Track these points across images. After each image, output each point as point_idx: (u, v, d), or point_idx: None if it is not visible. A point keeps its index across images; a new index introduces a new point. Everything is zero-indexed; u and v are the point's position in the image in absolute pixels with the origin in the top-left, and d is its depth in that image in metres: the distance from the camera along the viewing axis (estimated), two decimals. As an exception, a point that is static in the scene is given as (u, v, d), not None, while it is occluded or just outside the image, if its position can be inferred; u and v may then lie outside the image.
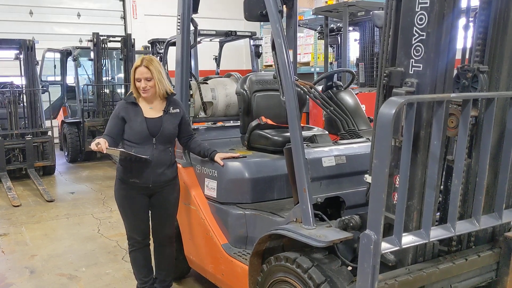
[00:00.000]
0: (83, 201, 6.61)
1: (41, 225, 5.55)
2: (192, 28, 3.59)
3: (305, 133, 2.87)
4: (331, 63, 9.12)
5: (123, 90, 10.18)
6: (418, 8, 1.94)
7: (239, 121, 4.00)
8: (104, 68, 9.69)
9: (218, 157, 3.18)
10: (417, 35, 1.95)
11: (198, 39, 6.73)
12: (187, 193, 3.40)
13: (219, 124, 4.35)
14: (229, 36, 6.86)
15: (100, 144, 2.77)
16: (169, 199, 3.20)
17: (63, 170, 8.84)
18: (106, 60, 9.75)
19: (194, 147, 3.31)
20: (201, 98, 3.79)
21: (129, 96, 3.11)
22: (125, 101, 3.10)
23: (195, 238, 3.37)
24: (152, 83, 2.99)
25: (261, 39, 7.18)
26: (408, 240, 1.90)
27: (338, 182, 2.52)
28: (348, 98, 2.97)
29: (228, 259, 2.98)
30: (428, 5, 1.91)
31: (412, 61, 1.97)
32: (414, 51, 1.96)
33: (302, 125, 3.62)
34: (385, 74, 2.05)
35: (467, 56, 2.21)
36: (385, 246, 1.81)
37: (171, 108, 3.11)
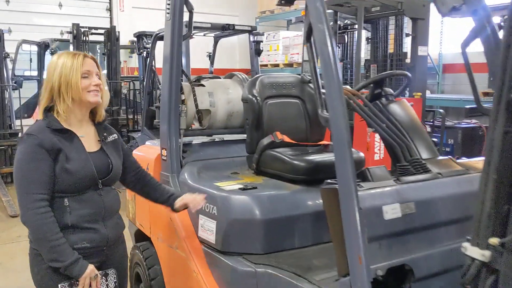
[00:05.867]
0: (53, 216, 5.69)
1: (-2, 249, 4.64)
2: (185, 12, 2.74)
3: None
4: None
5: (106, 88, 9.25)
6: None
7: (242, 135, 3.17)
8: (85, 63, 8.78)
9: (181, 201, 2.28)
10: None
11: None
12: (173, 233, 2.54)
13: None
14: (226, 30, 6.04)
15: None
16: (123, 263, 2.25)
17: (35, 176, 7.89)
18: (88, 55, 8.84)
19: (146, 184, 2.32)
20: (196, 105, 2.93)
21: (48, 120, 1.95)
22: (48, 127, 1.93)
23: (185, 294, 2.50)
24: (101, 84, 2.03)
25: (262, 34, 6.33)
26: None
27: (403, 241, 1.68)
28: (403, 112, 2.14)
29: (230, 334, 2.13)
30: None
31: None
32: None
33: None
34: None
35: None
36: None
37: (105, 134, 2.14)
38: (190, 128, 3.00)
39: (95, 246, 2.00)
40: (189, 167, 2.74)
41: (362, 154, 2.56)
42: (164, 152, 2.80)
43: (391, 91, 2.18)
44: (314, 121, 2.81)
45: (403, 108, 2.15)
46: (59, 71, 1.95)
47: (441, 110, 6.31)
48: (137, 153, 3.27)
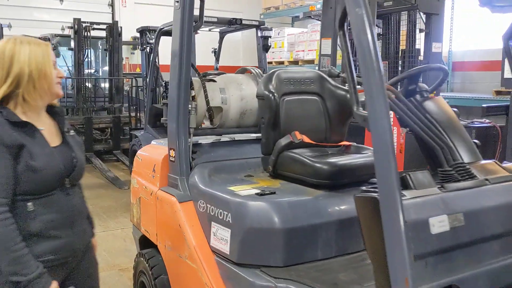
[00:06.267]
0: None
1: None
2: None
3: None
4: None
5: (107, 85, 9.08)
6: None
7: (255, 134, 2.98)
8: (87, 59, 8.61)
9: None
10: None
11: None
12: (183, 241, 2.33)
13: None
14: (233, 24, 5.84)
15: None
16: (92, 274, 2.00)
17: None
18: (89, 50, 8.65)
19: None
20: (207, 102, 2.72)
21: (5, 112, 1.68)
22: (6, 120, 1.66)
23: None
24: (63, 75, 1.94)
25: (270, 29, 6.12)
26: None
27: (450, 258, 1.48)
28: (440, 110, 1.93)
29: None
30: None
31: None
32: None
33: (359, 145, 2.58)
34: None
35: None
36: None
37: (66, 128, 1.91)
38: (200, 127, 2.80)
39: (60, 258, 1.77)
40: (199, 169, 2.53)
41: None
42: (172, 153, 2.59)
43: (426, 86, 1.97)
44: (334, 120, 2.60)
45: (439, 106, 1.95)
46: (28, 58, 1.70)
47: (455, 109, 6.09)
48: (142, 153, 3.07)
